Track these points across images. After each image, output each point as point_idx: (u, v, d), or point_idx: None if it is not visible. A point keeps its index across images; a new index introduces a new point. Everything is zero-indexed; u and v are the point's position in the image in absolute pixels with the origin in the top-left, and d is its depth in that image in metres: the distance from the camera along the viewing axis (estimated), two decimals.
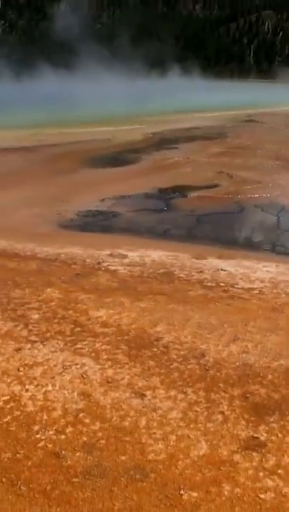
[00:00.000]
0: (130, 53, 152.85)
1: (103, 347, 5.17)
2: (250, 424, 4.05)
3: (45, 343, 5.28)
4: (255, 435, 3.92)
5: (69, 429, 3.94)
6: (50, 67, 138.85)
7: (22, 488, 3.39)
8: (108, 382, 4.56)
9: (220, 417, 4.13)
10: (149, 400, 4.31)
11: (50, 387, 4.47)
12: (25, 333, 5.51)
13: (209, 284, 7.17)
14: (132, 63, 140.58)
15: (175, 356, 5.00)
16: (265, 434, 3.93)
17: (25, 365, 4.84)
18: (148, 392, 4.40)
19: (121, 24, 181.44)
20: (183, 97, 56.58)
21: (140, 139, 26.61)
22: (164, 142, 25.69)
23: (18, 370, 4.74)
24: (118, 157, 21.51)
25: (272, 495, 3.37)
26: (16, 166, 19.10)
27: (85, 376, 4.65)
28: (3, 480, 3.47)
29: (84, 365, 4.84)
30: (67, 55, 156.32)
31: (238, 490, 3.39)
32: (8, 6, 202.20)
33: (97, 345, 5.22)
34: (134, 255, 8.37)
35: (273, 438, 3.89)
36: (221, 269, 7.76)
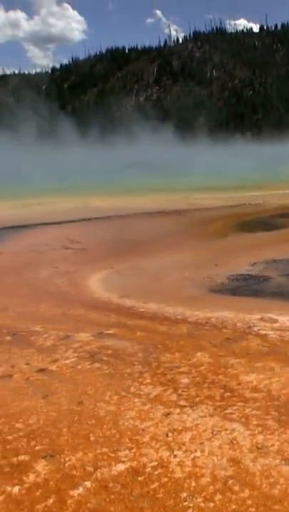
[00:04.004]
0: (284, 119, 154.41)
1: (253, 412, 5.05)
2: None
3: (194, 407, 5.23)
4: None
5: (218, 497, 3.84)
6: (204, 132, 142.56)
7: None
8: (258, 448, 4.42)
9: None
10: None
11: (198, 453, 4.40)
12: (174, 397, 5.50)
13: None
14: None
15: None
16: None
17: (174, 430, 4.80)
18: None
19: (272, 91, 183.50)
20: None
21: None
22: None
23: (167, 435, 4.72)
24: (269, 221, 21.49)
25: None
26: (168, 229, 19.62)
27: (234, 442, 4.54)
28: None
29: (233, 430, 4.74)
30: (218, 119, 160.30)
31: None
32: (163, 72, 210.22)
33: (247, 410, 5.10)
34: (284, 320, 8.17)
35: None
36: None
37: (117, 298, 9.96)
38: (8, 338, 7.74)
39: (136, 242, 17.12)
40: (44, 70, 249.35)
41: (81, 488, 3.99)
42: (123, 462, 4.32)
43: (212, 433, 4.70)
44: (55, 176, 46.73)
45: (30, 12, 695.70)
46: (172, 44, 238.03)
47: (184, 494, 3.88)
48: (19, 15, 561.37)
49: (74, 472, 4.21)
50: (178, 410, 5.18)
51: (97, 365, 6.51)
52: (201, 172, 51.47)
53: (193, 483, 4.00)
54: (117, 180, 43.50)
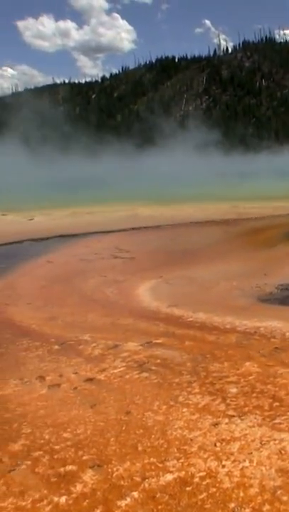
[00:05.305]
0: None
1: None
2: None
3: (243, 417, 5.19)
4: None
5: (266, 507, 3.79)
6: (252, 141, 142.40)
7: None
8: None
9: None
10: None
11: (247, 463, 4.36)
12: (222, 407, 5.46)
13: None
14: None
15: None
16: None
17: (223, 440, 4.77)
18: None
19: None
20: None
21: None
22: None
23: (215, 445, 4.69)
24: None
25: None
26: (217, 239, 19.56)
27: (283, 452, 4.49)
28: None
29: (282, 440, 4.68)
30: (267, 129, 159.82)
31: None
32: (212, 81, 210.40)
33: None
34: None
35: None
36: None
37: (165, 307, 9.94)
38: (57, 347, 7.80)
39: (185, 252, 17.08)
40: (94, 80, 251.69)
41: (129, 499, 3.99)
42: (171, 472, 4.31)
43: (260, 443, 4.66)
44: (104, 184, 47.15)
45: (80, 22, 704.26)
46: (221, 53, 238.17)
47: (232, 505, 3.85)
48: (69, 25, 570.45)
49: (121, 482, 4.21)
50: (226, 420, 5.14)
51: (145, 374, 6.51)
52: (250, 181, 51.30)
53: (241, 494, 3.97)
54: (171, 189, 43.63)
